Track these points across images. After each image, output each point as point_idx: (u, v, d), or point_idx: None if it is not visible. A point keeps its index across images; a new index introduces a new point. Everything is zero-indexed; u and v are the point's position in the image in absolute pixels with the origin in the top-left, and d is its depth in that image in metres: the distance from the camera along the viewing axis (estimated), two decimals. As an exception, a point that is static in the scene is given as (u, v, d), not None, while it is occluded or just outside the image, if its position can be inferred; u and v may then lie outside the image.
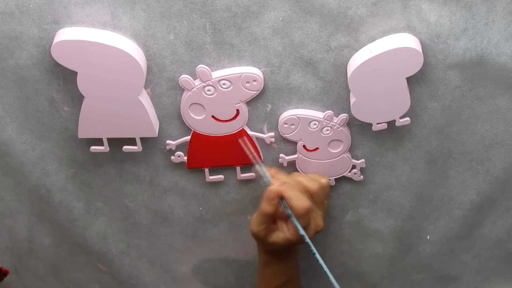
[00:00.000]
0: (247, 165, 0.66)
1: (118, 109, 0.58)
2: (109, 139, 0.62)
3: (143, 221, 0.73)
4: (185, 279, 0.79)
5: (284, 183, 0.59)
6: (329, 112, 0.61)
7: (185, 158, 0.65)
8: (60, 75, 0.58)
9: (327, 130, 0.62)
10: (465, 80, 0.60)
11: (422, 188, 0.69)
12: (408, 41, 0.54)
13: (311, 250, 0.58)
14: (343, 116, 0.61)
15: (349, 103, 0.60)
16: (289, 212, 0.58)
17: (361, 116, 0.60)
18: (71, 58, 0.54)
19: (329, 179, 0.67)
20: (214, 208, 0.71)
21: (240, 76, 0.58)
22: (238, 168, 0.67)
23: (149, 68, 0.58)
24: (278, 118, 0.62)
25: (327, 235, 0.74)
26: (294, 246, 0.63)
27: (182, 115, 0.61)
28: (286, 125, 0.62)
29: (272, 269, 0.65)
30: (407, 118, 0.61)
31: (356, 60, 0.56)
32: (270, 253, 0.64)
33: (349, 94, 0.60)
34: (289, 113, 0.61)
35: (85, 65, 0.54)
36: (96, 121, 0.60)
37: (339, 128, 0.62)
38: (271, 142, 0.65)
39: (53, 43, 0.53)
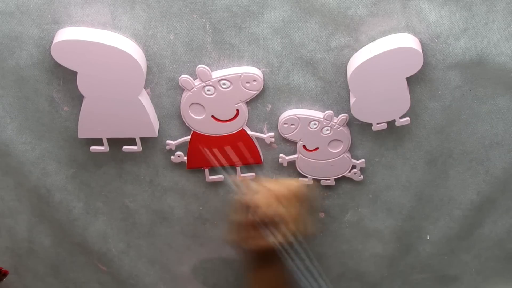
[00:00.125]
0: (247, 165, 0.66)
1: (118, 109, 0.58)
2: (109, 139, 0.62)
3: (143, 221, 0.72)
4: (185, 279, 0.79)
5: (253, 191, 0.59)
6: (329, 112, 0.61)
7: (185, 158, 0.65)
8: (60, 75, 0.58)
9: (327, 130, 0.62)
10: (465, 80, 0.59)
11: (422, 188, 0.69)
12: (408, 41, 0.54)
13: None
14: (343, 116, 0.61)
15: (349, 103, 0.60)
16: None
17: (361, 116, 0.60)
18: (71, 58, 0.54)
19: (329, 179, 0.67)
20: (214, 208, 0.71)
21: (240, 76, 0.58)
22: (238, 168, 0.67)
23: (149, 68, 0.58)
24: (278, 118, 0.62)
25: (327, 235, 0.74)
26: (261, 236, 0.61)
27: (182, 115, 0.61)
28: (286, 125, 0.62)
29: (257, 276, 0.65)
30: (407, 118, 0.61)
31: (356, 60, 0.56)
32: (253, 261, 0.64)
33: (349, 94, 0.60)
34: (289, 113, 0.61)
35: (85, 65, 0.54)
36: (96, 121, 0.60)
37: (339, 128, 0.62)
38: (271, 142, 0.65)
39: (53, 43, 0.53)
